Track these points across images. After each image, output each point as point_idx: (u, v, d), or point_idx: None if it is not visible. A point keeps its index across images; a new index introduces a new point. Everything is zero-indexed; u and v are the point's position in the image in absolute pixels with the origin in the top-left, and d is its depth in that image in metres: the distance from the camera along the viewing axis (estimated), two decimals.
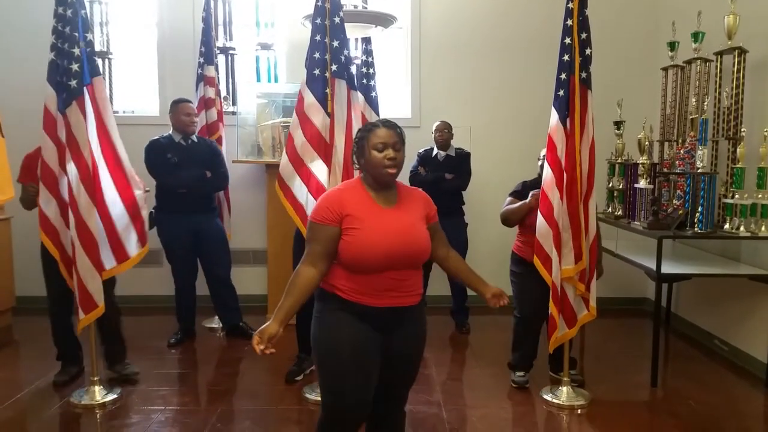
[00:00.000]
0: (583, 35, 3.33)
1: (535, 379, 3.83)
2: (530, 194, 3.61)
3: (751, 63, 4.00)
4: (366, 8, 4.46)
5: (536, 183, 3.71)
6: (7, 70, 5.26)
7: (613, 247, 4.47)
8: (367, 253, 2.12)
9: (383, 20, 4.41)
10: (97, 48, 5.32)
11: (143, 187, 3.69)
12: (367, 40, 4.74)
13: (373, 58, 5.01)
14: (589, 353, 4.44)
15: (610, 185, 4.75)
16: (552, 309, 3.46)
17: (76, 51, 3.28)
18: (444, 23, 5.51)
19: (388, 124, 2.25)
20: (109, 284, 3.74)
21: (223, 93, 5.38)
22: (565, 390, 3.58)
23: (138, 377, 3.84)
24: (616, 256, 4.37)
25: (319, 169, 3.45)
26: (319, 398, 3.53)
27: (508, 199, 3.79)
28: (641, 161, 4.26)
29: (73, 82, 3.27)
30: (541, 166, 3.66)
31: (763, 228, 3.70)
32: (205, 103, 4.94)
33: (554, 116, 3.39)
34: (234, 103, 5.46)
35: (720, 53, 4.11)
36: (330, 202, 2.20)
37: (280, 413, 3.43)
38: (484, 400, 3.64)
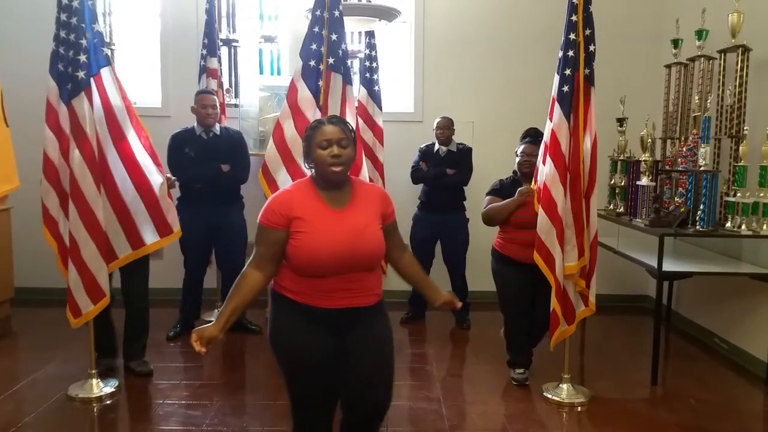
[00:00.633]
0: (587, 31, 3.31)
1: (535, 377, 3.83)
2: (518, 191, 3.61)
3: (755, 61, 3.98)
4: (370, 2, 4.44)
5: (513, 181, 3.74)
6: (11, 59, 5.23)
7: (615, 244, 4.47)
8: (315, 258, 2.07)
9: (387, 14, 4.39)
10: None
11: (164, 177, 3.63)
12: (370, 34, 4.73)
13: (376, 52, 4.99)
14: (589, 350, 4.44)
15: (612, 182, 4.74)
16: (555, 306, 3.45)
17: (84, 42, 3.26)
18: (448, 18, 5.49)
19: (334, 120, 2.19)
20: (143, 275, 3.77)
21: (226, 85, 5.36)
22: (565, 387, 3.58)
23: (153, 373, 3.83)
24: (618, 254, 4.37)
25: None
26: None
27: (488, 198, 3.79)
28: (643, 158, 4.25)
29: (81, 73, 3.26)
30: (519, 163, 3.71)
31: (764, 226, 3.69)
32: None
33: (558, 112, 3.37)
34: (237, 96, 5.44)
35: (723, 51, 4.09)
36: (278, 204, 2.14)
37: (279, 408, 3.42)
38: (483, 397, 3.64)
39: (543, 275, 3.44)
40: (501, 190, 3.78)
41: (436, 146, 4.83)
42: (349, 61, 3.93)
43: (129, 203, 3.49)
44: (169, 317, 4.68)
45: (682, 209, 3.92)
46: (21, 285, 5.15)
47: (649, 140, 4.30)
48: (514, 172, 3.82)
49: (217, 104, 4.42)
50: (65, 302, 3.39)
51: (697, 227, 3.82)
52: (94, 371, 3.56)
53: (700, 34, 4.24)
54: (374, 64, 5.04)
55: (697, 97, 4.22)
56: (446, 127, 4.78)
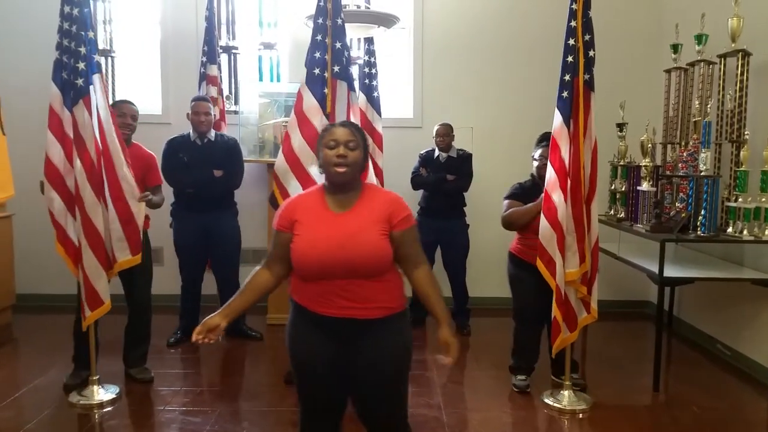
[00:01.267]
0: (587, 37, 3.31)
1: (537, 383, 3.82)
2: (540, 197, 3.56)
3: (755, 66, 3.97)
4: (369, 8, 4.45)
5: (533, 184, 3.69)
6: (9, 69, 5.25)
7: (616, 250, 4.46)
8: (305, 259, 2.07)
9: (386, 20, 4.39)
10: (101, 46, 5.31)
11: (139, 194, 3.59)
12: (369, 40, 4.74)
13: (375, 59, 5.00)
14: (590, 357, 4.43)
15: (613, 187, 4.73)
16: (555, 312, 3.43)
17: (83, 50, 3.28)
18: (447, 24, 5.50)
19: (346, 123, 2.23)
20: (144, 281, 3.78)
21: (226, 92, 5.36)
22: (566, 394, 3.56)
23: (153, 380, 3.83)
24: (618, 259, 4.36)
25: (316, 172, 3.44)
26: None
27: (506, 202, 3.72)
28: (644, 164, 4.24)
29: (80, 81, 3.28)
30: (537, 167, 3.64)
31: (766, 232, 3.68)
32: None
33: (558, 118, 3.37)
34: (236, 103, 5.45)
35: (723, 56, 4.09)
36: (285, 208, 2.19)
37: (280, 415, 3.42)
38: (484, 404, 3.62)
39: None
40: (521, 194, 3.68)
41: (436, 152, 4.83)
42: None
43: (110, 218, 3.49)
44: (169, 323, 4.67)
45: (683, 214, 3.91)
46: (22, 292, 5.14)
47: (650, 145, 4.29)
48: (532, 175, 3.76)
49: (212, 111, 4.44)
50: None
51: (699, 233, 3.81)
52: (95, 378, 3.56)
53: (699, 38, 4.24)
54: (373, 71, 5.05)
55: (697, 102, 4.22)
56: (446, 134, 4.78)
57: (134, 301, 3.81)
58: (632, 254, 4.32)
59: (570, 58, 3.31)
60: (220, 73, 5.12)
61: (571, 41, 3.31)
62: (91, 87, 3.33)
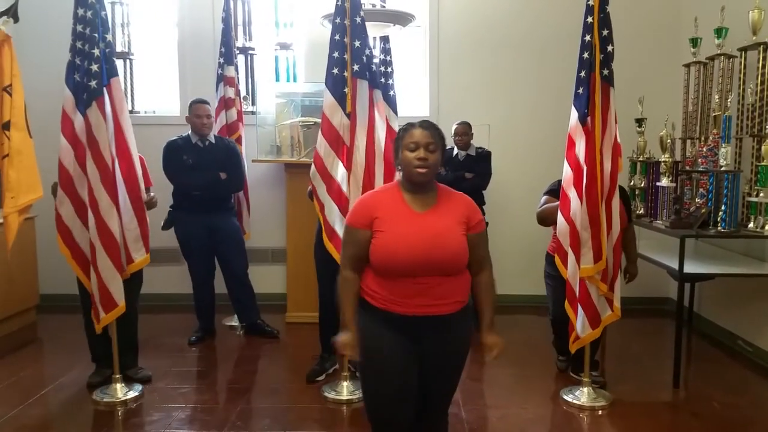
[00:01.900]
0: (605, 32, 3.29)
1: (556, 380, 3.81)
2: None
3: None
4: (384, 7, 4.46)
5: None
6: (32, 71, 5.31)
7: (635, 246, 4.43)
8: (392, 256, 2.09)
9: (402, 19, 4.40)
10: (119, 49, 5.39)
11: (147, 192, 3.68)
12: (385, 39, 4.74)
13: (391, 57, 5.00)
14: (610, 353, 4.40)
15: (632, 183, 4.70)
16: (568, 309, 3.43)
17: (96, 52, 3.31)
18: (462, 21, 5.49)
19: (425, 124, 2.23)
20: (136, 287, 3.79)
21: (243, 93, 5.40)
22: (585, 391, 3.55)
23: (151, 378, 3.86)
24: (638, 256, 4.32)
25: (338, 170, 3.46)
26: (338, 397, 3.57)
27: (544, 198, 3.75)
28: (663, 159, 4.21)
29: (93, 83, 3.30)
30: None
31: None
32: (225, 103, 4.97)
33: (574, 114, 3.36)
34: (253, 103, 5.48)
35: (744, 49, 4.05)
36: (363, 206, 2.22)
37: (300, 412, 3.45)
38: (504, 401, 3.62)
39: None
40: (558, 190, 3.65)
41: (455, 150, 4.83)
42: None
43: (126, 219, 3.53)
44: (187, 322, 4.73)
45: (703, 210, 3.88)
46: (45, 292, 5.24)
47: (669, 141, 4.26)
48: None
49: (212, 114, 4.51)
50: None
51: (719, 228, 3.78)
52: (117, 376, 3.62)
53: (719, 32, 4.19)
54: (389, 69, 5.04)
55: (717, 96, 4.17)
56: (464, 133, 4.79)
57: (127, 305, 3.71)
58: (652, 250, 4.29)
59: (586, 55, 3.29)
60: (237, 74, 5.15)
61: (588, 37, 3.29)
62: (105, 89, 3.36)
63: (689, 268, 3.72)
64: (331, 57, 3.47)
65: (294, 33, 5.50)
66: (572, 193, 3.35)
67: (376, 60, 5.12)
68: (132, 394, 3.60)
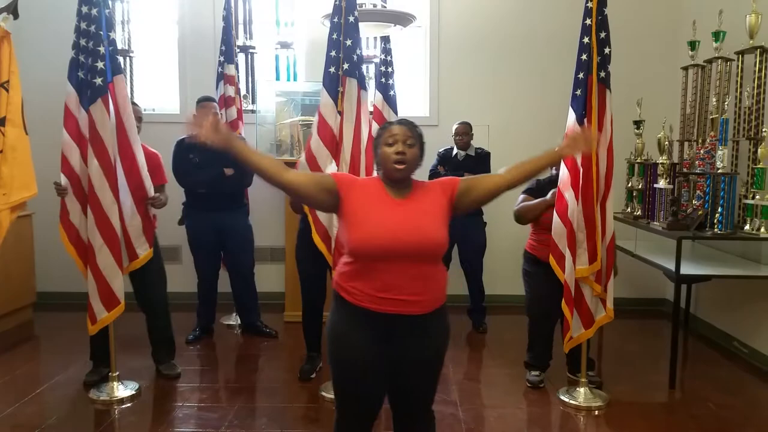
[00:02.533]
0: (602, 34, 3.31)
1: (553, 380, 3.82)
2: (550, 192, 3.60)
3: None
4: (385, 7, 4.47)
5: (551, 180, 3.70)
6: (30, 66, 5.31)
7: (632, 247, 4.45)
8: (372, 241, 2.06)
9: (402, 19, 4.42)
10: (119, 46, 5.37)
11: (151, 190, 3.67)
12: (385, 39, 4.75)
13: (391, 57, 5.01)
14: (607, 354, 4.42)
15: (630, 185, 4.72)
16: (565, 309, 3.46)
17: (101, 49, 3.31)
18: (463, 22, 5.50)
19: (404, 122, 2.25)
20: (155, 280, 3.81)
21: (243, 91, 5.41)
22: (582, 391, 3.57)
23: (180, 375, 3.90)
24: (635, 257, 4.35)
25: (330, 169, 3.47)
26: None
27: (522, 196, 3.77)
28: (661, 161, 4.23)
29: (98, 80, 3.30)
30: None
31: None
32: (225, 102, 4.97)
33: (571, 116, 3.38)
34: (253, 102, 5.49)
35: (741, 52, 4.07)
36: (348, 176, 2.28)
37: (297, 411, 3.45)
38: (500, 400, 3.64)
39: None
40: (536, 189, 3.73)
41: (455, 150, 4.85)
42: (364, 66, 3.95)
43: (126, 215, 3.53)
44: (187, 321, 4.72)
45: (700, 212, 3.90)
46: (42, 290, 5.23)
47: (667, 143, 4.28)
48: (553, 171, 3.78)
49: (219, 111, 4.49)
50: (86, 307, 3.45)
51: (716, 230, 3.80)
52: (115, 374, 3.62)
53: (717, 35, 4.21)
54: (390, 69, 5.05)
55: (714, 99, 4.19)
56: (465, 133, 4.80)
57: (147, 301, 3.83)
58: (649, 252, 4.30)
59: (584, 56, 3.32)
60: (238, 72, 5.16)
61: (586, 39, 3.31)
62: (110, 86, 3.36)
63: (686, 269, 3.73)
64: (328, 56, 3.47)
65: (294, 32, 5.51)
66: (569, 195, 3.37)
67: (375, 60, 5.15)
68: (128, 392, 3.59)
